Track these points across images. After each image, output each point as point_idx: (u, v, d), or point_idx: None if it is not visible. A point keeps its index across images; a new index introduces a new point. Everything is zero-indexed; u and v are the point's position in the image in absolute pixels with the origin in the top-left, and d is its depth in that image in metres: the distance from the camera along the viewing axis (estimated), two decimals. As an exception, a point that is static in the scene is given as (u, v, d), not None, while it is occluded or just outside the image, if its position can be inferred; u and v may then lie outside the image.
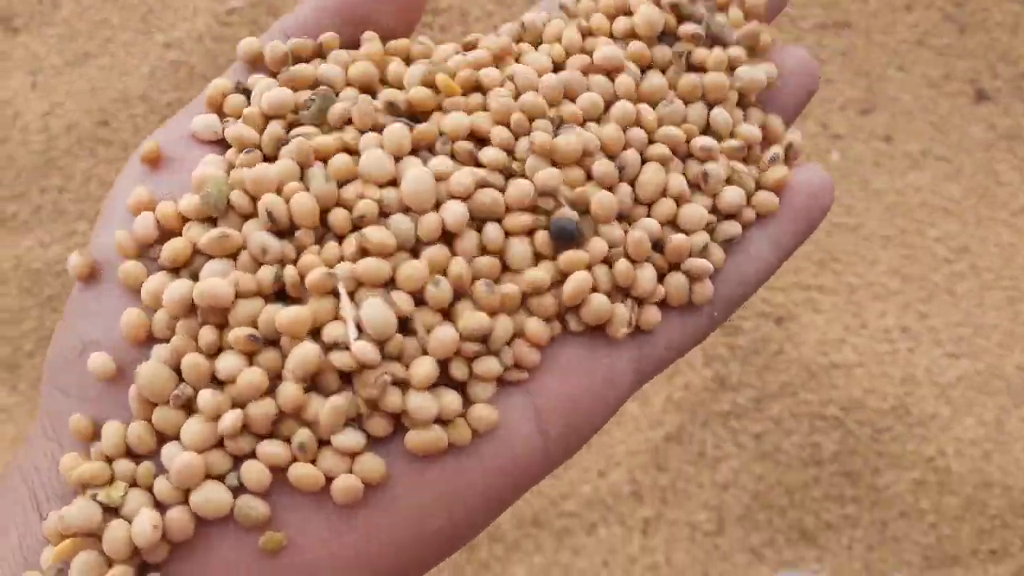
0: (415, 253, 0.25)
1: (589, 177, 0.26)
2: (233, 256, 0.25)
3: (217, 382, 0.24)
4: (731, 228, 0.28)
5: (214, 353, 0.24)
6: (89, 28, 0.87)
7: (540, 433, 0.25)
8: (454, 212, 0.24)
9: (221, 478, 0.24)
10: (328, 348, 0.23)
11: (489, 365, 0.24)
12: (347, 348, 0.23)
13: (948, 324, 0.75)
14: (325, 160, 0.25)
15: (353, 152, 0.26)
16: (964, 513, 0.70)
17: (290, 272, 0.24)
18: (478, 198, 0.25)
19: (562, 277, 0.25)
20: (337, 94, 0.27)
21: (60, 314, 0.77)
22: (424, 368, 0.23)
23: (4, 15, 0.88)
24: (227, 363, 0.24)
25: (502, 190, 0.25)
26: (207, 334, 0.24)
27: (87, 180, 0.82)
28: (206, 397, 0.23)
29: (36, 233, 0.80)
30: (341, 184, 0.25)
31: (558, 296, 0.25)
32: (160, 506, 0.24)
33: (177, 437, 0.24)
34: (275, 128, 0.26)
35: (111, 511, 0.23)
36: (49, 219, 0.81)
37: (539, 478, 0.26)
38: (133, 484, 0.24)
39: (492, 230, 0.25)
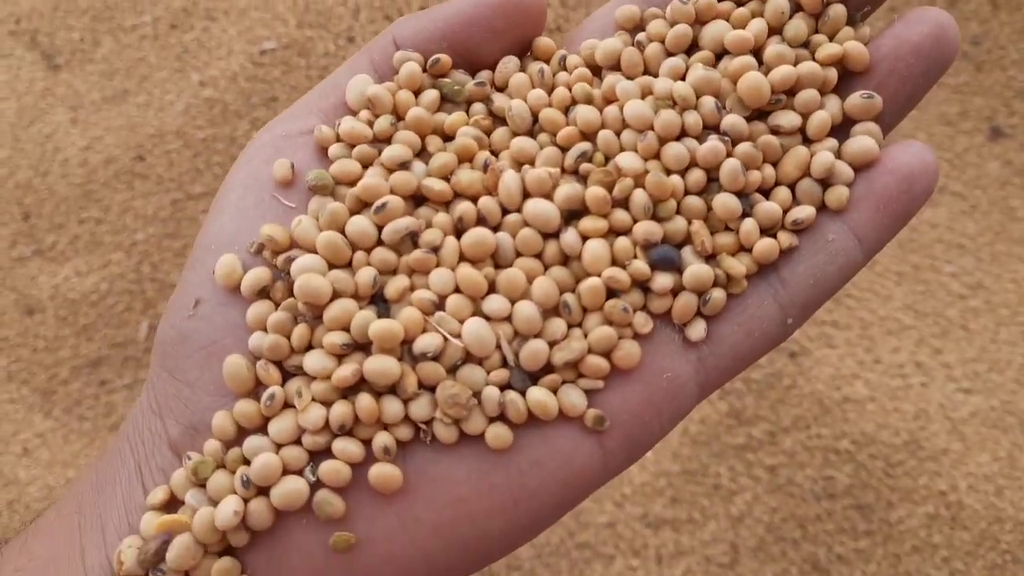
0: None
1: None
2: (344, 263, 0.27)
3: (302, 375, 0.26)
4: (802, 212, 0.26)
5: (305, 347, 0.26)
6: (128, 66, 0.90)
7: (600, 447, 0.26)
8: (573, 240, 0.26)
9: (299, 472, 0.26)
10: (416, 358, 0.26)
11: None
12: (434, 359, 0.25)
13: (962, 360, 0.76)
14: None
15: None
16: (976, 548, 0.70)
17: (396, 285, 0.26)
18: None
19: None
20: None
21: (95, 343, 0.79)
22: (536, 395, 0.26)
23: (47, 53, 0.90)
24: (315, 361, 0.26)
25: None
26: (301, 330, 0.26)
27: (123, 212, 0.84)
28: (297, 389, 0.26)
29: (73, 263, 0.82)
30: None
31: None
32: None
33: (259, 430, 0.26)
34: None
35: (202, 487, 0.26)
36: (86, 249, 0.82)
37: (596, 487, 0.26)
38: (221, 466, 0.26)
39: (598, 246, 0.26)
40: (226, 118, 0.87)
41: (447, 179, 0.27)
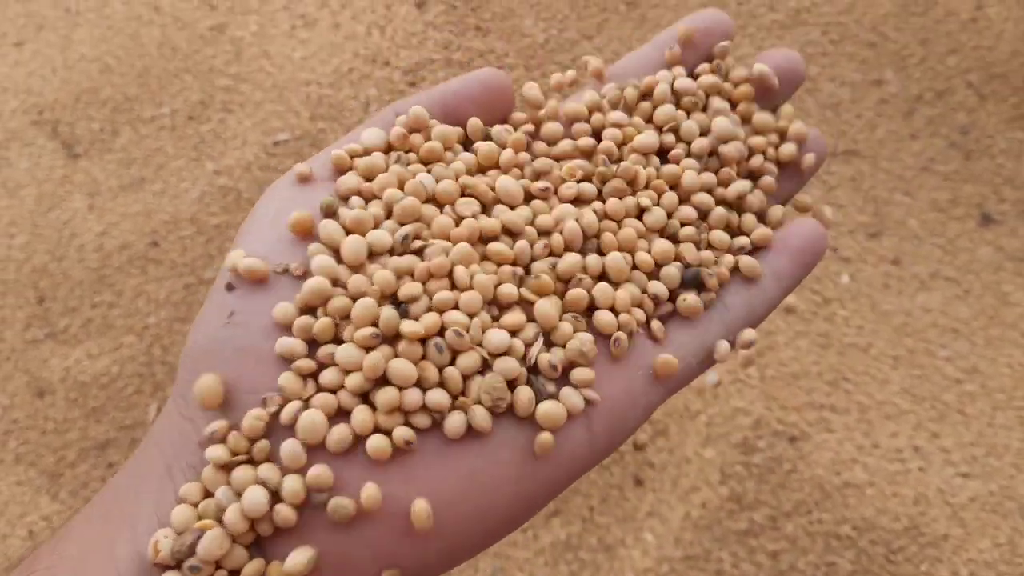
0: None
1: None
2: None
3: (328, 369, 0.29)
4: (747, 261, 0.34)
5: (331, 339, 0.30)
6: (145, 155, 0.92)
7: (589, 433, 0.30)
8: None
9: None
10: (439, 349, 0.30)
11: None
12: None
13: (960, 444, 0.77)
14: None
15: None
16: (979, 635, 0.70)
17: (410, 289, 0.30)
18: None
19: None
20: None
21: (103, 425, 0.80)
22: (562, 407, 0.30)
23: (68, 142, 0.93)
24: (346, 353, 0.29)
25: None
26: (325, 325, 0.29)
27: (136, 296, 0.85)
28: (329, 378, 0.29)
29: (85, 345, 0.83)
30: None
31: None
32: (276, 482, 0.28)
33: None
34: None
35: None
36: (98, 332, 0.84)
37: (584, 471, 0.31)
38: (249, 461, 0.28)
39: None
40: (239, 205, 0.89)
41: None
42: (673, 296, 0.33)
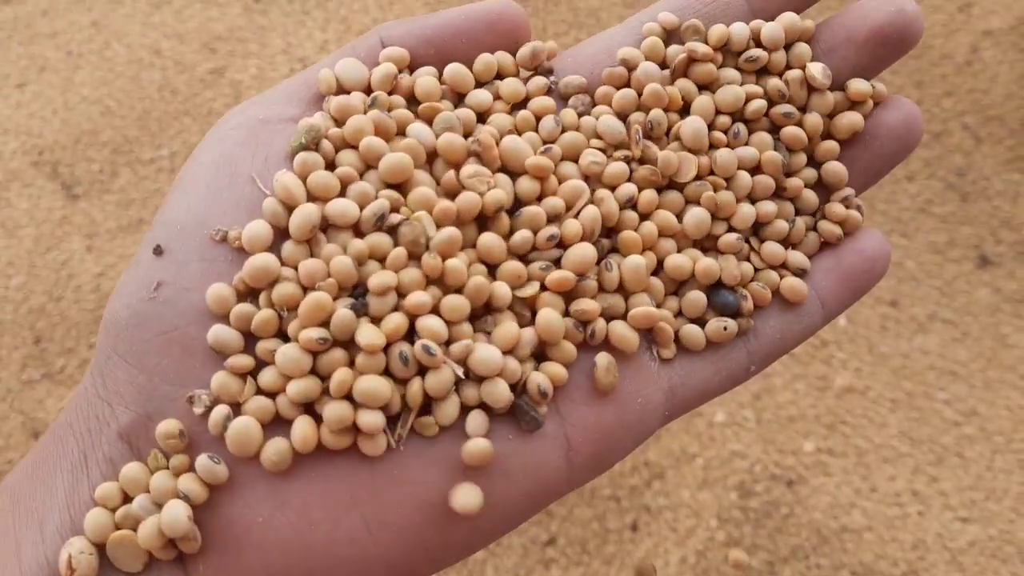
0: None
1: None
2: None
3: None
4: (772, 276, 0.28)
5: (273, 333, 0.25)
6: (144, 197, 0.93)
7: (567, 462, 0.26)
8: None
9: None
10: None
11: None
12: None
13: (959, 488, 0.76)
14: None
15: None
16: None
17: (381, 280, 0.25)
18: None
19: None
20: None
21: (99, 466, 0.80)
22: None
23: (67, 183, 0.94)
24: (288, 357, 0.24)
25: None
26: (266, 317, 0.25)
27: (132, 337, 0.85)
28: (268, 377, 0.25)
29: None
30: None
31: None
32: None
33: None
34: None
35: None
36: (94, 373, 0.84)
37: (559, 497, 0.27)
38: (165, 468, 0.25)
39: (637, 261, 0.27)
40: (236, 247, 0.89)
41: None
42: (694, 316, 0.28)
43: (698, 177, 0.28)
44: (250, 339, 0.25)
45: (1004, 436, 0.78)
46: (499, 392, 0.25)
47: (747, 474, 0.76)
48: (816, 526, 0.73)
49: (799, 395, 0.80)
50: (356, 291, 0.25)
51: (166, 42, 1.02)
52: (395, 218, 0.25)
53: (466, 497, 0.24)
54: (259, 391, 0.25)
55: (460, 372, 0.25)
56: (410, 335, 0.25)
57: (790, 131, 0.28)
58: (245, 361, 0.25)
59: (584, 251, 0.26)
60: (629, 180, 0.28)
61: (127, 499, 0.25)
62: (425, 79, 0.27)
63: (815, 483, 0.75)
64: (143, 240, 0.26)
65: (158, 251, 0.25)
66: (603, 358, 0.26)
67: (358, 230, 0.25)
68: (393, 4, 1.05)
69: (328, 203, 0.25)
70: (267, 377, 0.25)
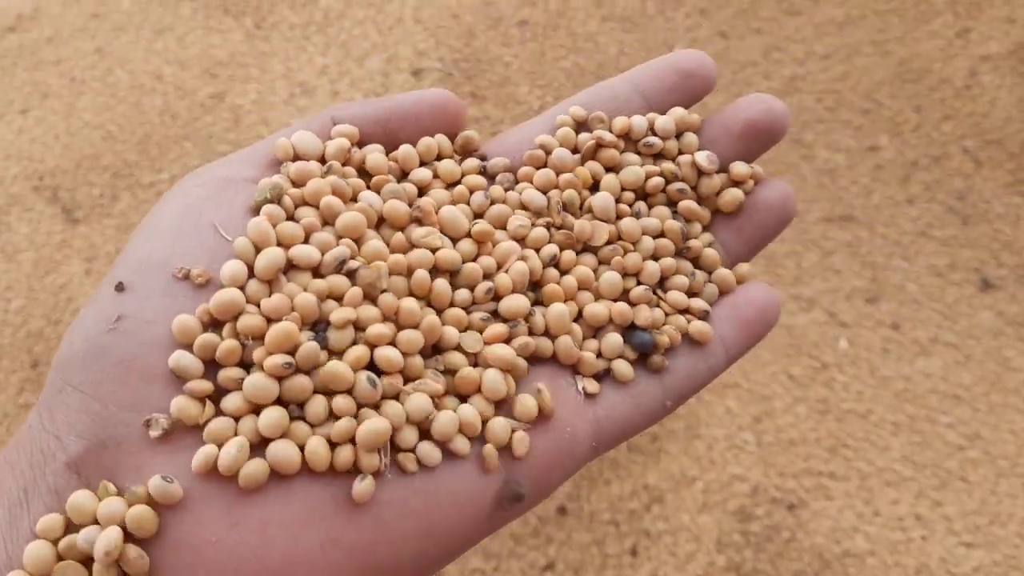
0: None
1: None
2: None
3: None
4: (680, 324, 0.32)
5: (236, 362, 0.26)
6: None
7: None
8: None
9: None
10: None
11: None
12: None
13: (963, 512, 0.75)
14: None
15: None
16: None
17: (342, 314, 0.27)
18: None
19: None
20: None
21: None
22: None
23: (68, 207, 0.94)
24: (256, 385, 0.26)
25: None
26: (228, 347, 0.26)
27: (130, 360, 0.85)
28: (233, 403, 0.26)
29: (78, 410, 0.83)
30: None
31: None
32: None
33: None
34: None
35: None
36: (91, 397, 0.83)
37: (502, 526, 0.28)
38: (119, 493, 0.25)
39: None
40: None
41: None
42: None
43: (609, 242, 0.32)
44: (210, 368, 0.26)
45: (1008, 460, 0.78)
46: (461, 443, 0.28)
47: (747, 498, 0.75)
48: (818, 550, 0.72)
49: (800, 418, 0.79)
50: (317, 327, 0.27)
51: (168, 68, 1.03)
52: (353, 264, 0.28)
53: (361, 487, 0.26)
54: (219, 414, 0.26)
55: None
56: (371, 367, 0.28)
57: (685, 204, 0.33)
58: (204, 386, 0.26)
59: (517, 300, 0.30)
60: (550, 242, 0.32)
61: (70, 529, 0.24)
62: (375, 155, 0.31)
63: (816, 507, 0.75)
64: (103, 280, 0.27)
65: (120, 287, 0.26)
66: (544, 386, 0.29)
67: (318, 273, 0.28)
68: (392, 29, 1.06)
69: (292, 248, 0.28)
70: (231, 403, 0.26)
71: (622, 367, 0.31)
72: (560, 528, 0.73)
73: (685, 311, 0.32)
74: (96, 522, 0.24)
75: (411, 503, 0.26)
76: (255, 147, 0.31)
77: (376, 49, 1.05)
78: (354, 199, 0.30)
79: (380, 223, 0.30)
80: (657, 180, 0.33)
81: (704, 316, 0.32)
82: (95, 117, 0.99)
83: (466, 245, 0.30)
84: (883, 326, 0.86)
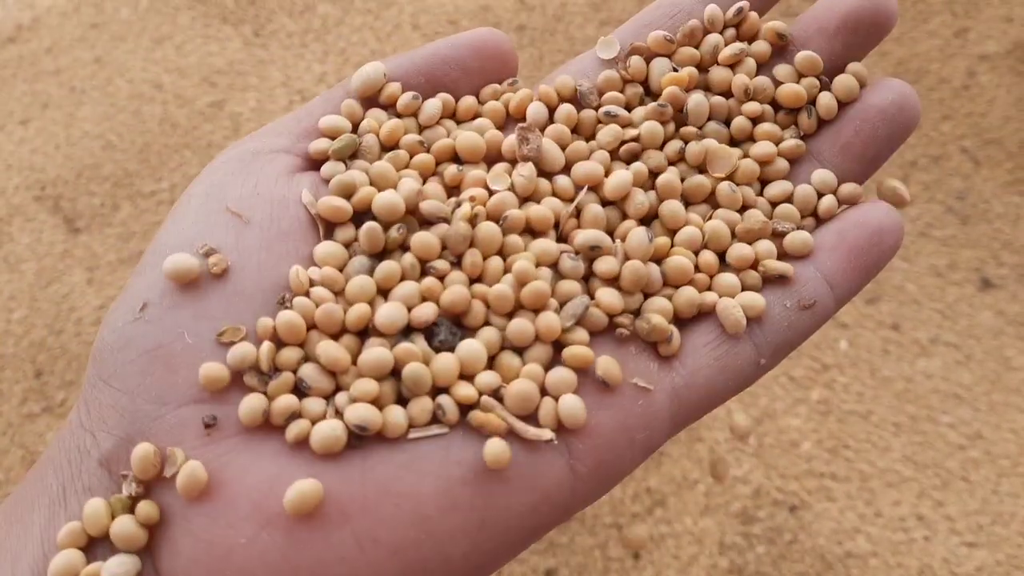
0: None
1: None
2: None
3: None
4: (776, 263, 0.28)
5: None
6: (144, 229, 0.93)
7: (571, 471, 0.24)
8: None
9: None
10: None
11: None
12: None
13: (965, 512, 0.75)
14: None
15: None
16: None
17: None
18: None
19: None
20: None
21: (98, 499, 0.79)
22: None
23: (69, 217, 0.95)
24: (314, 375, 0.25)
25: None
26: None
27: (132, 369, 0.85)
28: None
29: (81, 419, 0.83)
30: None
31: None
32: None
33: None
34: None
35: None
36: (94, 406, 0.84)
37: (564, 515, 0.25)
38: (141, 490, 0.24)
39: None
40: (235, 278, 0.89)
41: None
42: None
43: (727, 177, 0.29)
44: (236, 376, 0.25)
45: (1010, 459, 0.78)
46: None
47: (749, 500, 0.75)
48: (820, 552, 0.72)
49: (801, 419, 0.79)
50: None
51: (167, 76, 1.04)
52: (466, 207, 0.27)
53: (494, 449, 0.24)
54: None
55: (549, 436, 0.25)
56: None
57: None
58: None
59: (639, 235, 0.27)
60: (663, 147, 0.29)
61: (92, 540, 0.24)
62: (435, 102, 0.30)
63: (818, 508, 0.75)
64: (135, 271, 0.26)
65: (146, 275, 0.26)
66: (604, 359, 0.26)
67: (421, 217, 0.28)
68: (391, 36, 1.06)
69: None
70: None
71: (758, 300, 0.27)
72: (562, 532, 0.74)
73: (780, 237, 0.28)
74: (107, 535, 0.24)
75: (457, 495, 0.24)
76: (286, 117, 0.30)
77: (374, 56, 1.05)
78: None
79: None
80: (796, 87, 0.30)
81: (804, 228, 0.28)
82: (95, 127, 1.00)
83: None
84: (883, 327, 0.86)
